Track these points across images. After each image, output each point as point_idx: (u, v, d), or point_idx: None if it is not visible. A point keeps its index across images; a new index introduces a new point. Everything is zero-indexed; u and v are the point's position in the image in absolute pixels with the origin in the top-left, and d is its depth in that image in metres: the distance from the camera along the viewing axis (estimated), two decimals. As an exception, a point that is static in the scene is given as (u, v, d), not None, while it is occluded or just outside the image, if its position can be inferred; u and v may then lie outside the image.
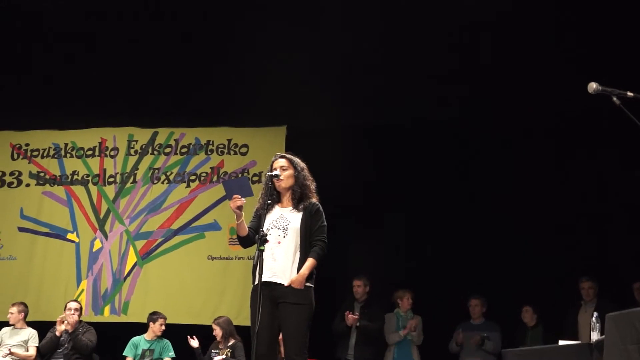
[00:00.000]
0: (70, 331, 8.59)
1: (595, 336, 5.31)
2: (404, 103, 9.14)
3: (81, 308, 8.92)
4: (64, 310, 8.71)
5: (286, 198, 5.40)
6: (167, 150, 10.14)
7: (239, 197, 5.13)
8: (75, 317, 8.67)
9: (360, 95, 9.21)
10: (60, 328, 8.57)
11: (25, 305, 9.07)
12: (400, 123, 9.36)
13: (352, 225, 9.13)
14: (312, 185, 5.46)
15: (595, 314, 5.62)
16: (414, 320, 8.51)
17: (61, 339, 8.61)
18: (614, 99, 4.20)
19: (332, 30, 8.81)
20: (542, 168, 8.94)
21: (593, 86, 4.19)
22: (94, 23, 9.53)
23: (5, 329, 8.98)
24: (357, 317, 8.28)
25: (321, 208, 5.37)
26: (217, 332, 8.47)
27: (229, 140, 10.05)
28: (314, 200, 5.39)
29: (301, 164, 5.46)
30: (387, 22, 8.78)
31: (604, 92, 4.20)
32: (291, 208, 5.35)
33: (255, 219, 5.39)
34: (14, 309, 8.97)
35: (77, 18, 9.50)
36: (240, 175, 9.70)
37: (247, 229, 5.29)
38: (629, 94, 4.21)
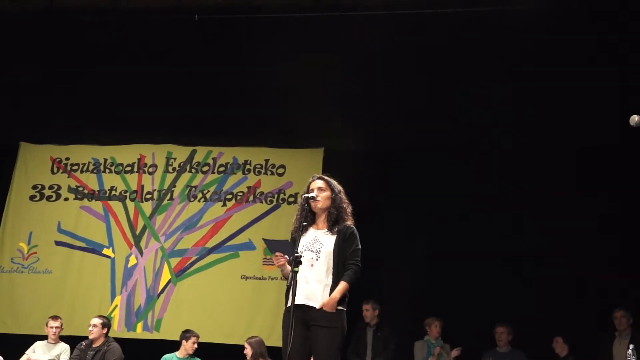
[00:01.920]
0: (95, 346, 8.61)
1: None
2: (439, 128, 9.12)
3: (105, 323, 8.75)
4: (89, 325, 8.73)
5: (321, 220, 5.38)
6: (205, 168, 10.19)
7: (281, 254, 5.15)
8: (95, 333, 8.63)
9: (397, 118, 9.22)
10: None
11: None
12: (435, 148, 9.33)
13: (382, 248, 9.08)
14: (349, 209, 5.43)
15: (631, 346, 5.53)
16: (454, 351, 8.49)
17: (87, 356, 8.62)
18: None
19: (373, 53, 8.86)
20: (570, 194, 8.83)
21: (635, 119, 4.15)
22: (137, 40, 9.67)
23: (39, 343, 9.02)
24: None
25: (356, 231, 5.33)
26: (248, 351, 8.44)
27: (267, 161, 10.08)
28: (349, 223, 5.37)
29: (338, 187, 5.45)
30: (421, 50, 8.84)
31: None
32: (325, 230, 5.33)
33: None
34: (57, 323, 9.02)
35: (119, 34, 9.64)
36: (276, 197, 9.74)
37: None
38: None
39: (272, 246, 5.32)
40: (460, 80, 8.96)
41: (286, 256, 5.13)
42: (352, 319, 8.36)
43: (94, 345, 8.62)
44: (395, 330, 8.71)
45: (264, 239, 5.50)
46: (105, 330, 8.71)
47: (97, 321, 8.71)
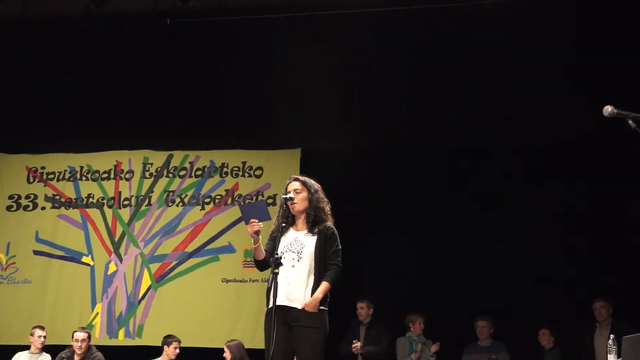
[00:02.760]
0: (79, 354, 8.55)
1: (612, 358, 5.26)
2: (418, 127, 9.14)
3: (89, 336, 8.72)
4: (72, 339, 8.64)
5: (301, 221, 5.39)
6: (182, 173, 10.16)
7: (256, 221, 5.15)
8: (83, 347, 8.55)
9: (375, 118, 9.23)
10: None
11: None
12: (412, 147, 9.33)
13: (363, 247, 9.08)
14: (327, 207, 5.43)
15: (611, 336, 5.57)
16: (433, 347, 8.53)
17: None
18: (630, 122, 4.17)
19: (347, 53, 8.87)
20: (553, 187, 8.88)
21: (608, 109, 4.16)
22: (110, 46, 9.65)
23: (22, 354, 8.96)
24: (358, 345, 8.32)
25: (336, 232, 5.35)
26: (227, 354, 8.41)
27: (244, 163, 10.06)
28: (329, 223, 5.37)
29: (315, 186, 5.43)
30: (402, 49, 8.88)
31: (619, 115, 4.17)
32: (306, 231, 5.33)
33: (270, 242, 5.37)
34: (44, 333, 8.95)
35: (92, 41, 9.61)
36: (254, 198, 9.70)
37: (264, 252, 5.29)
38: (645, 116, 4.17)
39: (246, 212, 5.29)
40: (438, 77, 8.96)
41: (261, 224, 5.13)
42: (345, 317, 8.50)
43: (77, 358, 8.56)
44: (387, 327, 8.70)
45: (239, 205, 5.47)
46: (88, 344, 8.65)
47: (82, 335, 8.60)
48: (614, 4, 8.32)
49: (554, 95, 8.68)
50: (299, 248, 5.26)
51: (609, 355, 5.39)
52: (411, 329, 8.70)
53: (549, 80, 8.65)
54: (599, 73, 8.34)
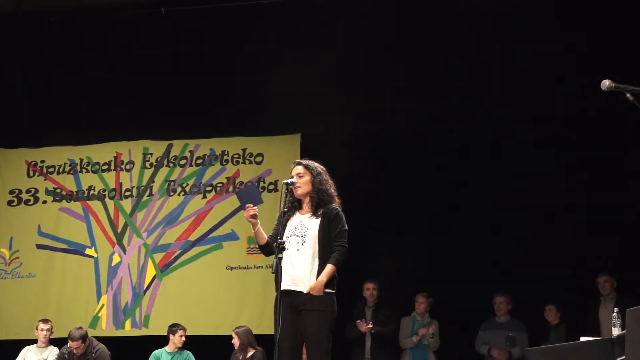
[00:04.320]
0: (78, 355, 8.49)
1: (616, 331, 5.27)
2: (421, 109, 9.12)
3: (84, 335, 8.49)
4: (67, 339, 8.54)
5: (306, 204, 5.38)
6: (183, 162, 10.15)
7: (252, 205, 5.15)
8: (82, 349, 8.45)
9: (374, 102, 9.22)
10: None
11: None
12: (416, 128, 9.30)
13: (367, 229, 9.07)
14: (332, 189, 5.43)
15: (615, 309, 5.58)
16: (430, 328, 8.53)
17: None
18: (628, 95, 4.17)
19: (344, 37, 8.85)
20: (557, 164, 8.87)
21: (606, 83, 4.16)
22: (106, 37, 9.62)
23: (29, 348, 8.98)
24: (370, 326, 8.31)
25: (341, 212, 5.34)
26: (235, 341, 8.45)
27: (244, 150, 10.05)
28: (334, 205, 5.36)
29: (318, 168, 5.42)
30: (399, 29, 8.85)
31: (617, 89, 4.17)
32: (310, 214, 5.33)
33: (277, 227, 5.36)
34: (48, 326, 8.95)
35: (87, 32, 9.59)
36: (255, 184, 9.69)
37: (265, 237, 5.29)
38: (643, 89, 4.18)
39: (242, 198, 5.32)
40: (433, 60, 8.93)
41: (256, 208, 5.16)
42: (354, 299, 8.50)
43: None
44: (394, 310, 8.70)
45: (236, 193, 5.47)
46: (87, 342, 8.54)
47: (76, 344, 8.40)
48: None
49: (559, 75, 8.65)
50: (302, 232, 5.27)
51: (613, 328, 5.41)
52: (416, 308, 8.71)
53: (554, 62, 8.63)
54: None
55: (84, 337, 8.49)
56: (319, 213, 5.30)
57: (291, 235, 5.25)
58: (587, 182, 8.74)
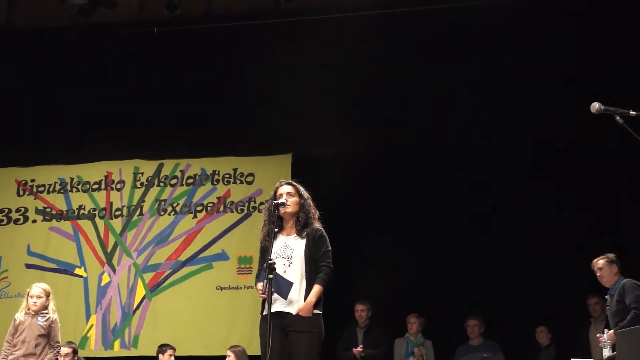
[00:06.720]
0: None
1: (607, 353, 5.28)
2: (408, 130, 9.14)
3: (75, 350, 8.49)
4: None
5: (289, 225, 5.38)
6: (173, 181, 10.14)
7: (261, 291, 5.16)
8: None
9: (366, 123, 9.24)
10: None
11: None
12: (404, 149, 9.33)
13: (356, 250, 9.06)
14: (316, 214, 5.45)
15: (606, 330, 5.59)
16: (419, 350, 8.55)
17: None
18: (617, 117, 4.19)
19: (335, 59, 8.88)
20: (546, 187, 8.89)
21: (596, 106, 4.19)
22: (98, 56, 9.63)
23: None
24: (360, 349, 8.29)
25: (325, 233, 5.36)
26: (232, 359, 8.40)
27: (235, 170, 10.04)
28: (317, 225, 5.38)
29: (306, 193, 5.46)
30: (393, 50, 8.88)
31: (606, 112, 4.19)
32: (295, 235, 5.33)
33: (262, 258, 5.35)
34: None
35: (81, 53, 9.60)
36: (246, 205, 9.71)
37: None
38: (632, 112, 4.21)
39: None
40: (427, 81, 8.97)
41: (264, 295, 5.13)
42: (342, 319, 8.47)
43: None
44: (386, 331, 8.69)
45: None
46: (74, 356, 8.47)
47: (66, 350, 8.30)
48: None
49: (555, 96, 8.68)
50: (289, 253, 5.26)
51: (603, 349, 5.42)
52: (409, 330, 8.68)
53: (549, 81, 8.66)
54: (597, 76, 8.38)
55: (74, 350, 8.46)
56: (303, 234, 5.31)
57: (277, 257, 5.22)
58: (577, 203, 8.74)
